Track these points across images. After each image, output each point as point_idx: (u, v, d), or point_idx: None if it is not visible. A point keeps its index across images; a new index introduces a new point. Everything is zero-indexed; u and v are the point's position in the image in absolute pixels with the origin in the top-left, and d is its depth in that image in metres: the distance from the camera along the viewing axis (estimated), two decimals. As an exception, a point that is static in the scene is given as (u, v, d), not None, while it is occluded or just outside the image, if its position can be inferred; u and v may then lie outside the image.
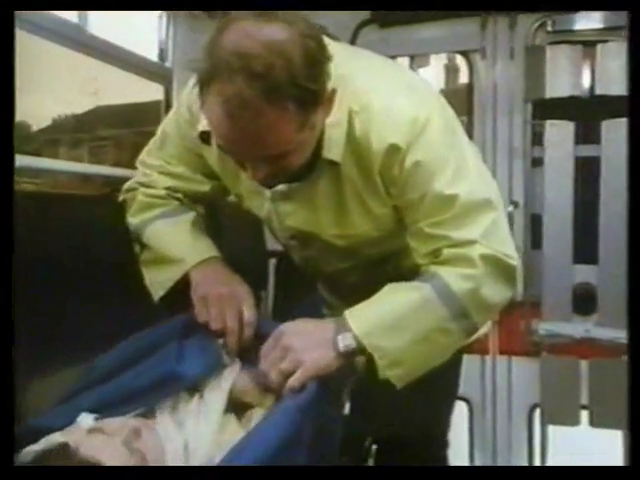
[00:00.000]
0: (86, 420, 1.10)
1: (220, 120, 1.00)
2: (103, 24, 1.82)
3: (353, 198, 1.20)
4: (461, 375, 1.59)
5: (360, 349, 1.13)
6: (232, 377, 1.24)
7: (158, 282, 1.35)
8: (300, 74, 0.96)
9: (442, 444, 1.61)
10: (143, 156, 1.48)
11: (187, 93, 1.30)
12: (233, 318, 1.24)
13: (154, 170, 1.41)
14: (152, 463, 1.04)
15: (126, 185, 1.45)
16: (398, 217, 1.22)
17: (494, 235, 1.17)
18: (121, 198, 1.45)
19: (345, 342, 1.13)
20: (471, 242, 1.14)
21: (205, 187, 1.39)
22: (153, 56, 2.09)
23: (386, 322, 1.13)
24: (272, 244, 2.49)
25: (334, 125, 1.12)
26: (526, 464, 2.72)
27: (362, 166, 1.16)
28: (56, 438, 1.04)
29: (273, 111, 0.96)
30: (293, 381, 1.11)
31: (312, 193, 1.22)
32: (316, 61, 0.99)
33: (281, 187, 1.21)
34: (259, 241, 2.51)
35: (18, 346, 1.33)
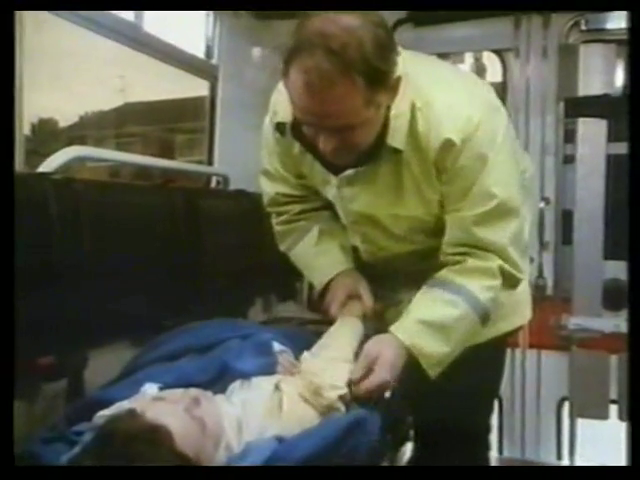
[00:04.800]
0: (151, 389, 1.18)
1: (300, 90, 1.13)
2: (154, 21, 1.90)
3: (410, 183, 1.33)
4: (504, 372, 1.70)
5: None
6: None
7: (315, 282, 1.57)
8: (370, 54, 1.10)
9: (481, 441, 1.68)
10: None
11: (274, 96, 1.42)
12: None
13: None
14: (211, 430, 1.12)
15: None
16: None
17: (519, 243, 1.35)
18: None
19: None
20: (497, 249, 1.31)
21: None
22: (200, 53, 2.17)
23: (429, 333, 1.31)
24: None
25: (398, 116, 1.26)
26: (554, 457, 2.76)
27: (421, 156, 1.29)
28: (124, 404, 1.12)
29: (345, 83, 1.10)
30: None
31: (374, 178, 1.34)
32: (384, 46, 1.14)
33: (347, 172, 1.34)
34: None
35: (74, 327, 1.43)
